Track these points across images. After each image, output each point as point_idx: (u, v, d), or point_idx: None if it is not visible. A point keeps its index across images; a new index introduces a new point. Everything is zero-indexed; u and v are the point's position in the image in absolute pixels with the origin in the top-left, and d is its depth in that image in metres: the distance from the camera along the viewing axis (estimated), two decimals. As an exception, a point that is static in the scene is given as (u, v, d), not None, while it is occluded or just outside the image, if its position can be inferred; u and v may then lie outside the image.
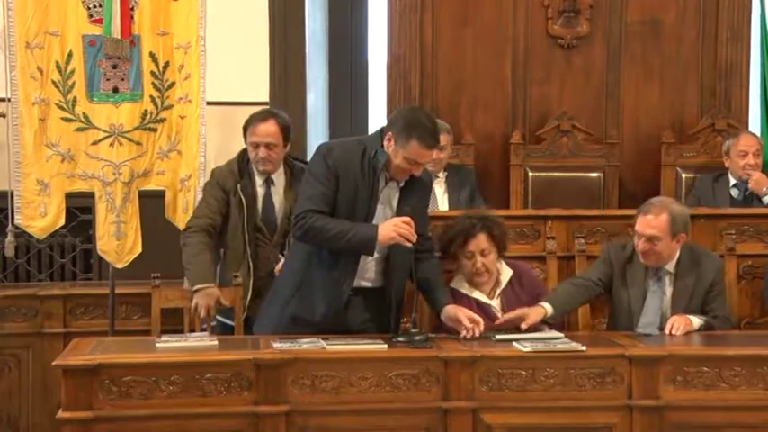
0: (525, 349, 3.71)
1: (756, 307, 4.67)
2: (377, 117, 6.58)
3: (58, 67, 4.79)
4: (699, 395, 3.72)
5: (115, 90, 4.85)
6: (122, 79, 4.84)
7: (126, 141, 4.84)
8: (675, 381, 3.71)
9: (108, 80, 4.83)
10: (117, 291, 4.82)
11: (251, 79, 5.80)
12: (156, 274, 4.49)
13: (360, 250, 3.86)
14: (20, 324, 4.92)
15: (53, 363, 3.62)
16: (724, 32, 6.09)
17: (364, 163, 3.87)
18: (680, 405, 3.71)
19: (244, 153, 4.62)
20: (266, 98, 5.77)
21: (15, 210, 4.81)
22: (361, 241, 3.82)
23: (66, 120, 4.80)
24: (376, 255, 3.90)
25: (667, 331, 4.06)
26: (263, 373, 3.58)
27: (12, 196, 4.84)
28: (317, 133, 6.42)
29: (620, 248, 4.35)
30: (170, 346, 3.78)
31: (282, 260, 4.41)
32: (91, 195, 4.87)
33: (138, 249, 4.88)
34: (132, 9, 4.83)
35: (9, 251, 4.98)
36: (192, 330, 4.37)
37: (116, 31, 4.77)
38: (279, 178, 4.60)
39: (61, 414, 3.51)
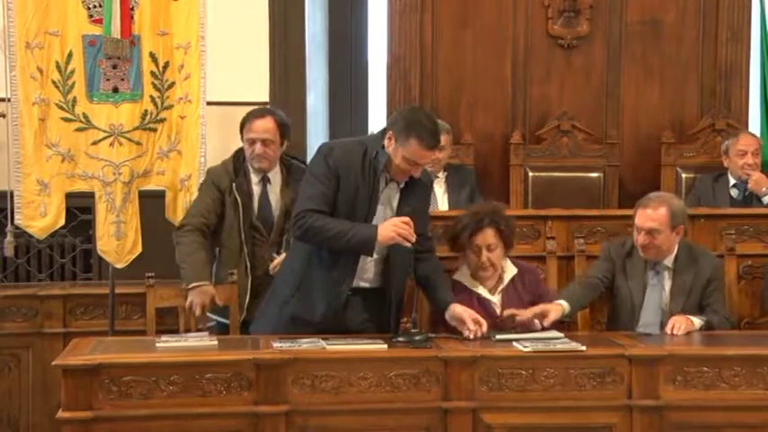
0: (525, 349, 3.71)
1: (756, 307, 4.67)
2: (377, 117, 6.58)
3: (57, 67, 4.79)
4: (699, 395, 3.71)
5: (115, 90, 4.85)
6: (122, 79, 4.85)
7: (126, 141, 4.84)
8: (675, 381, 3.71)
9: (108, 80, 4.84)
10: (117, 291, 4.82)
11: (251, 79, 5.80)
12: (150, 274, 4.49)
13: (359, 250, 3.86)
14: (20, 324, 4.92)
15: (53, 363, 3.62)
16: (724, 32, 6.09)
17: (365, 163, 3.87)
18: (680, 405, 3.71)
19: (239, 152, 4.62)
20: (266, 98, 5.78)
21: (15, 210, 4.81)
22: (360, 241, 3.81)
23: (66, 120, 4.80)
24: (375, 255, 3.90)
25: (669, 331, 4.07)
26: (263, 373, 3.58)
27: (12, 196, 4.85)
28: (316, 133, 6.41)
29: (620, 246, 4.39)
30: (170, 346, 3.78)
31: (277, 259, 4.40)
32: (91, 195, 4.88)
33: (138, 249, 4.89)
34: (132, 9, 4.83)
35: (8, 251, 4.99)
36: (188, 330, 4.37)
37: (116, 31, 4.78)
38: (275, 177, 4.59)
39: (61, 414, 3.51)
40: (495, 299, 4.18)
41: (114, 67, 4.84)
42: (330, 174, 3.85)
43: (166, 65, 4.89)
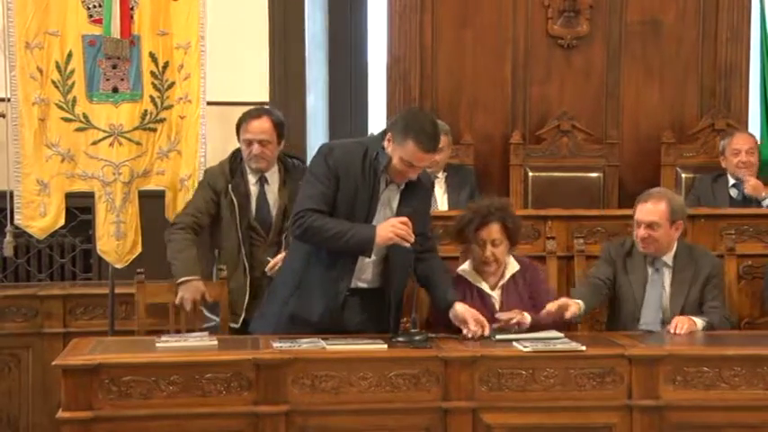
0: (525, 349, 3.71)
1: (756, 307, 4.68)
2: (377, 118, 6.58)
3: (57, 67, 4.78)
4: (699, 395, 3.71)
5: (115, 90, 4.84)
6: (122, 79, 4.84)
7: (126, 141, 4.84)
8: (675, 381, 3.71)
9: (108, 80, 4.83)
10: (117, 291, 4.82)
11: (251, 79, 5.80)
12: (140, 270, 4.51)
13: (358, 251, 3.86)
14: (20, 324, 4.92)
15: (53, 363, 3.62)
16: (724, 33, 6.09)
17: (365, 164, 3.87)
18: (680, 405, 3.71)
19: (236, 152, 4.62)
20: (266, 98, 5.78)
21: (15, 210, 4.81)
22: (359, 242, 3.81)
23: (65, 120, 4.80)
24: (373, 257, 3.90)
25: (671, 330, 4.08)
26: (263, 373, 3.58)
27: (11, 196, 4.85)
28: (316, 134, 6.41)
29: (620, 245, 4.42)
30: (170, 346, 3.78)
31: (272, 260, 4.39)
32: (91, 195, 4.87)
33: (138, 249, 4.88)
34: (132, 9, 4.82)
35: (8, 251, 4.99)
36: (179, 330, 4.37)
37: (116, 31, 4.77)
38: (272, 176, 4.58)
39: (61, 414, 3.51)
40: (495, 294, 4.18)
41: (114, 67, 4.84)
42: (330, 174, 3.85)
43: (166, 65, 4.89)
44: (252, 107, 4.70)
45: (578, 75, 6.14)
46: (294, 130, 5.50)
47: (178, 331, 4.37)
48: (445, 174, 5.46)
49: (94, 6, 4.82)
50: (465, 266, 4.24)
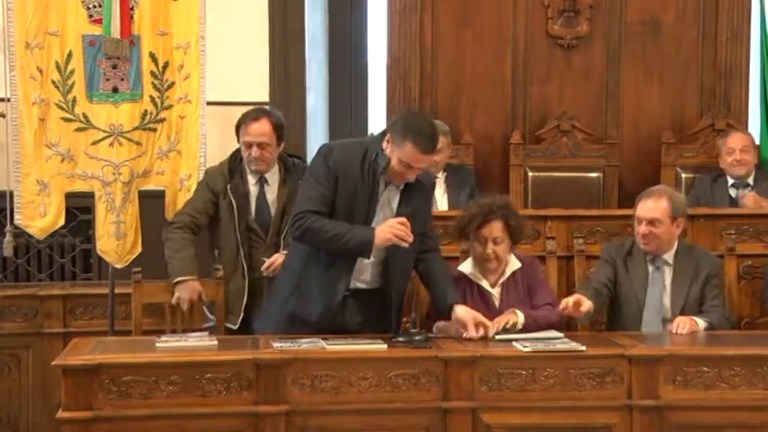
0: (525, 349, 3.71)
1: (756, 307, 4.68)
2: (376, 118, 6.58)
3: (57, 67, 4.78)
4: (699, 395, 3.71)
5: (115, 90, 4.84)
6: (122, 79, 4.84)
7: (126, 141, 4.83)
8: (675, 381, 3.71)
9: (108, 80, 4.83)
10: (117, 291, 4.81)
11: (251, 79, 5.80)
12: (137, 269, 4.51)
13: (357, 252, 3.86)
14: (20, 324, 4.91)
15: (53, 363, 3.62)
16: (724, 33, 6.10)
17: (364, 166, 3.87)
18: (680, 405, 3.70)
19: (236, 153, 4.61)
20: (266, 98, 5.78)
21: (15, 210, 4.81)
22: (357, 244, 3.82)
23: (65, 120, 4.80)
24: (372, 258, 3.90)
25: (673, 330, 4.09)
26: (263, 373, 3.58)
27: (11, 196, 4.84)
28: (316, 134, 6.42)
29: (620, 245, 4.44)
30: (170, 346, 3.78)
31: (267, 261, 4.39)
32: (91, 195, 4.87)
33: (138, 249, 4.88)
34: (132, 9, 4.82)
35: (8, 251, 4.99)
36: (175, 330, 4.36)
37: (116, 31, 4.77)
38: (272, 177, 4.57)
39: (61, 414, 3.51)
40: (495, 292, 4.18)
41: (114, 67, 4.83)
42: (329, 175, 3.85)
43: (166, 65, 4.89)
44: (251, 108, 4.69)
45: (578, 75, 6.14)
46: (294, 130, 5.50)
47: (174, 331, 4.37)
48: (445, 174, 5.47)
49: (94, 6, 4.81)
50: (466, 264, 4.25)
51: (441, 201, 5.37)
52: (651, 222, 4.24)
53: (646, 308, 4.27)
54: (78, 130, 4.81)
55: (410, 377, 3.63)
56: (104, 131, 4.82)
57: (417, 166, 3.84)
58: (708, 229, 4.76)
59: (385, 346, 3.73)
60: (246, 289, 4.49)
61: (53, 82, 4.78)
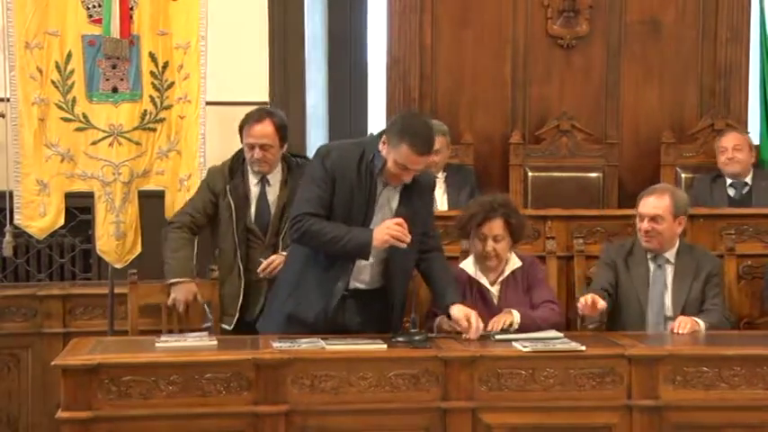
0: (525, 349, 3.71)
1: (756, 307, 4.68)
2: (376, 118, 6.58)
3: (57, 67, 4.78)
4: (698, 395, 3.71)
5: (114, 90, 4.84)
6: (122, 79, 4.84)
7: (125, 141, 4.84)
8: (675, 381, 3.71)
9: (107, 80, 4.83)
10: (116, 291, 4.81)
11: (251, 79, 5.80)
12: (132, 271, 4.51)
13: (355, 255, 3.86)
14: (19, 324, 4.91)
15: (52, 363, 3.62)
16: (723, 32, 6.09)
17: (361, 167, 3.86)
18: (679, 405, 3.70)
19: (239, 153, 4.58)
20: (266, 98, 5.78)
21: (15, 210, 4.81)
22: (356, 246, 3.82)
23: (65, 120, 4.80)
24: (372, 259, 3.90)
25: (675, 330, 4.09)
26: (263, 373, 3.58)
27: (11, 196, 4.85)
28: (316, 134, 6.42)
29: (620, 246, 4.46)
30: (169, 346, 3.78)
31: (263, 263, 4.38)
32: (90, 195, 4.87)
33: (138, 249, 4.88)
34: (132, 9, 4.82)
35: (8, 251, 4.99)
36: (171, 331, 4.36)
37: (115, 31, 4.77)
38: (274, 177, 4.53)
39: (60, 414, 3.51)
40: (495, 290, 4.18)
41: (114, 67, 4.84)
42: (326, 177, 3.85)
43: (166, 65, 4.89)
44: (255, 108, 4.64)
45: (578, 75, 6.13)
46: (294, 130, 5.48)
47: (172, 331, 4.36)
48: (445, 174, 5.46)
49: (94, 6, 4.82)
50: (467, 262, 4.25)
51: (441, 201, 5.37)
52: (653, 219, 4.26)
53: (648, 307, 4.27)
54: (78, 130, 4.81)
55: (410, 377, 3.63)
56: (104, 131, 4.82)
57: (414, 168, 3.83)
58: (707, 229, 4.76)
59: (385, 346, 3.73)
60: (242, 290, 4.48)
61: (53, 82, 4.79)
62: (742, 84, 6.14)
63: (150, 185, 4.93)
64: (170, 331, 4.36)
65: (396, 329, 3.93)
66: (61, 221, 4.89)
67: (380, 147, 3.84)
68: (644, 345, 3.87)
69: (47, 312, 4.91)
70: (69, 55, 4.79)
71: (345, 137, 6.17)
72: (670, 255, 4.33)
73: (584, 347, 3.73)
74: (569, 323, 4.46)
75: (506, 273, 4.20)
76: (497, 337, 3.90)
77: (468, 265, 4.24)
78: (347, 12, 6.73)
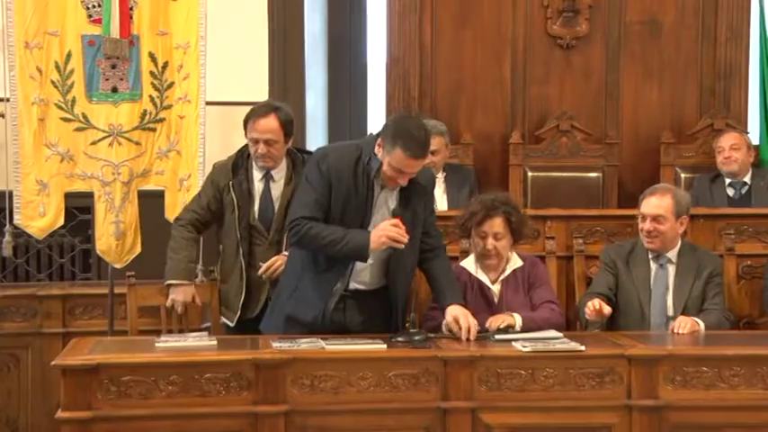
0: (524, 349, 3.71)
1: (756, 307, 4.68)
2: (376, 118, 6.58)
3: (57, 66, 4.79)
4: (698, 395, 3.71)
5: (114, 90, 4.85)
6: (121, 79, 4.85)
7: (125, 141, 4.84)
8: (675, 381, 3.71)
9: (107, 80, 4.84)
10: (116, 291, 4.81)
11: (251, 79, 5.80)
12: (130, 273, 4.50)
13: (354, 257, 3.86)
14: (19, 324, 4.91)
15: (52, 363, 3.61)
16: (723, 32, 6.10)
17: (358, 169, 3.86)
18: (679, 405, 3.70)
19: (244, 148, 4.49)
20: (266, 98, 5.74)
21: (14, 210, 4.82)
22: (353, 249, 3.81)
23: (65, 120, 4.81)
24: (371, 260, 3.90)
25: (675, 330, 4.10)
26: (263, 373, 3.58)
27: (11, 196, 4.85)
28: (316, 134, 6.42)
29: (620, 246, 4.47)
30: (169, 346, 3.78)
31: (264, 265, 4.37)
32: (90, 195, 4.88)
33: (138, 249, 4.89)
34: (131, 9, 4.83)
35: (7, 251, 4.99)
36: (171, 331, 4.36)
37: (115, 31, 4.78)
38: (279, 173, 4.44)
39: (60, 414, 3.50)
40: (495, 288, 4.19)
41: (113, 66, 4.84)
42: (323, 180, 3.85)
43: (165, 65, 4.89)
44: (261, 103, 4.58)
45: (578, 75, 6.14)
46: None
47: (170, 331, 4.36)
48: (444, 174, 5.46)
49: (94, 6, 4.82)
50: (468, 260, 4.25)
51: (440, 201, 5.36)
52: (656, 219, 4.26)
53: (651, 307, 4.28)
54: (78, 129, 4.82)
55: (410, 377, 3.63)
56: (104, 131, 4.83)
57: (409, 171, 3.81)
58: (707, 229, 4.76)
59: (384, 346, 3.73)
60: (244, 287, 4.46)
61: (52, 82, 4.79)
62: (742, 84, 6.15)
63: (150, 185, 4.93)
64: (170, 331, 4.35)
65: (398, 329, 3.93)
66: (61, 221, 4.89)
67: (376, 149, 3.83)
68: (644, 345, 3.86)
69: (46, 312, 4.91)
70: (69, 55, 4.80)
71: (345, 137, 6.19)
72: (672, 254, 4.34)
73: (583, 347, 3.73)
74: (569, 323, 4.46)
75: (507, 272, 4.20)
76: (497, 337, 3.90)
77: (469, 264, 4.24)
78: (347, 12, 6.73)
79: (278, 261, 4.32)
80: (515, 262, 4.22)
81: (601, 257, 4.47)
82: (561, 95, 6.14)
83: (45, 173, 4.80)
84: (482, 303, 4.07)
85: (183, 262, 4.41)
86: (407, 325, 3.89)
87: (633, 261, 4.36)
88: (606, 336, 4.11)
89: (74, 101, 4.80)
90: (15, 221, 4.84)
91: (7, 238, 4.95)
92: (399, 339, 3.81)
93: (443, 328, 3.97)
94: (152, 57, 4.87)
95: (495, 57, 6.11)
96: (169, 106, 4.90)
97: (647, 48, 6.13)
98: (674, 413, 3.70)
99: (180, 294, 4.38)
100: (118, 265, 4.86)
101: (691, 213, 4.49)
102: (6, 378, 4.91)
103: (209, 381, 3.55)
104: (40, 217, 4.82)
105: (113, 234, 4.85)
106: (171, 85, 4.90)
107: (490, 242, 4.13)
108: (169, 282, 4.40)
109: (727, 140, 5.59)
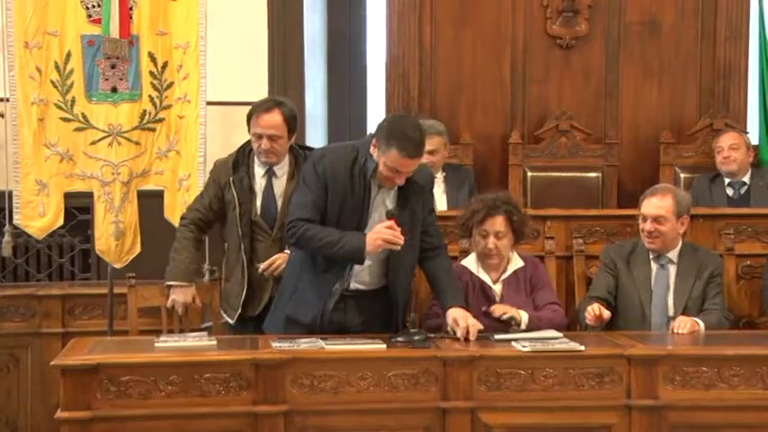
0: (524, 349, 3.71)
1: (755, 307, 4.68)
2: (376, 118, 6.56)
3: (56, 66, 4.79)
4: (698, 395, 3.71)
5: (114, 90, 4.85)
6: (121, 79, 4.85)
7: (125, 141, 4.84)
8: (674, 381, 3.71)
9: (107, 80, 4.84)
10: (115, 291, 4.81)
11: (250, 79, 5.80)
12: (131, 274, 4.50)
13: (350, 260, 3.86)
14: (18, 324, 4.91)
15: (52, 363, 3.61)
16: (723, 32, 6.10)
17: (354, 170, 3.85)
18: (679, 405, 3.70)
19: (246, 145, 4.44)
20: (266, 98, 5.77)
21: (14, 210, 4.82)
22: (349, 251, 3.82)
23: (64, 120, 4.81)
24: (368, 262, 3.89)
25: (675, 330, 4.10)
26: (262, 373, 3.58)
27: (10, 196, 4.85)
28: (316, 134, 6.42)
29: (620, 247, 4.47)
30: (169, 345, 3.78)
31: (265, 263, 4.36)
32: (90, 195, 4.88)
33: (137, 249, 4.89)
34: (131, 9, 4.83)
35: (7, 251, 4.99)
36: (171, 331, 4.36)
37: (115, 31, 4.78)
38: (281, 169, 4.40)
39: (60, 414, 3.50)
40: (497, 288, 4.19)
41: (113, 66, 4.84)
42: (319, 182, 3.85)
43: (165, 65, 4.89)
44: (264, 98, 4.54)
45: (577, 75, 6.14)
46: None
47: (170, 331, 4.36)
48: (444, 174, 5.46)
49: (93, 6, 4.82)
50: (469, 259, 4.25)
51: (440, 201, 5.35)
52: (656, 219, 4.27)
53: (652, 307, 4.28)
54: (77, 129, 4.82)
55: (409, 377, 3.63)
56: (103, 131, 4.83)
57: (405, 171, 3.81)
58: (707, 229, 4.76)
59: (384, 346, 3.73)
60: (246, 284, 4.44)
61: (52, 82, 4.79)
62: (741, 84, 6.14)
63: (149, 185, 4.93)
64: (170, 331, 4.35)
65: (398, 329, 3.93)
66: (60, 221, 4.89)
67: (371, 150, 3.83)
68: (643, 345, 3.86)
69: (46, 312, 4.91)
70: (69, 55, 4.80)
71: (345, 136, 6.19)
72: (673, 255, 4.34)
73: (583, 347, 3.73)
74: (569, 324, 4.45)
75: (509, 272, 4.20)
76: (497, 336, 3.90)
77: (470, 263, 4.24)
78: (347, 12, 6.73)
79: (279, 259, 4.31)
80: (516, 262, 4.22)
81: (601, 258, 4.47)
82: (561, 95, 6.14)
83: (45, 173, 4.80)
84: (483, 303, 4.08)
85: (183, 263, 4.41)
86: (407, 325, 3.89)
87: (634, 261, 4.36)
88: (606, 336, 4.11)
89: (73, 101, 4.81)
90: (15, 221, 4.84)
91: (7, 238, 4.95)
92: (399, 339, 3.81)
93: (448, 331, 3.97)
94: (152, 57, 4.87)
95: (495, 57, 6.11)
96: (169, 106, 4.90)
97: (646, 48, 6.13)
98: (674, 413, 3.70)
99: (180, 295, 4.38)
100: (117, 265, 4.86)
101: (691, 214, 4.49)
102: (6, 378, 4.91)
103: (208, 381, 3.55)
104: (39, 217, 4.82)
105: (113, 234, 4.85)
106: (170, 85, 4.90)
107: (491, 241, 4.13)
108: (169, 283, 4.40)
109: (726, 140, 5.60)
